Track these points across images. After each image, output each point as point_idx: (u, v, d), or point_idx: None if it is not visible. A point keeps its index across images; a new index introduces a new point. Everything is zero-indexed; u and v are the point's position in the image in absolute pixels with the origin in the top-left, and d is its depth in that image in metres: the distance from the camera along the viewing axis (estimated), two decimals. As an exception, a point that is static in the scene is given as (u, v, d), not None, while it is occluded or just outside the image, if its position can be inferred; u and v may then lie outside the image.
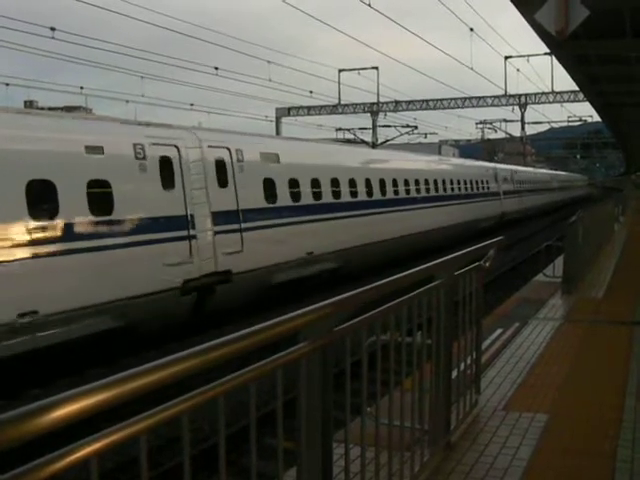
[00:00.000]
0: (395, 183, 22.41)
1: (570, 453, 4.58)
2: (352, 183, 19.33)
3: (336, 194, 18.25)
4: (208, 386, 2.12)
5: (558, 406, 5.56)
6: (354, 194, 19.40)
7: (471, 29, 37.01)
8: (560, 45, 14.44)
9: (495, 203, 35.00)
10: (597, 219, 15.67)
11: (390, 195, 21.84)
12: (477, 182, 32.23)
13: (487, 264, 5.19)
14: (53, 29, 28.02)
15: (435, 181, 26.21)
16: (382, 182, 21.30)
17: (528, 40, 23.24)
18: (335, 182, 18.34)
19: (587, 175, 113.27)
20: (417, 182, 24.28)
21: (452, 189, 28.23)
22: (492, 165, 39.77)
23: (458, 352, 4.84)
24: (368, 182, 20.38)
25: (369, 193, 20.37)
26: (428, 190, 25.27)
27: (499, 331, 8.27)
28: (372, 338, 3.55)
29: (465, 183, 30.17)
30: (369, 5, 23.20)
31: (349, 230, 18.44)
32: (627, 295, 10.82)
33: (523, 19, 12.97)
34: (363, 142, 41.49)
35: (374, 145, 42.32)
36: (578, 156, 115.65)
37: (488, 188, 34.09)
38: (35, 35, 27.11)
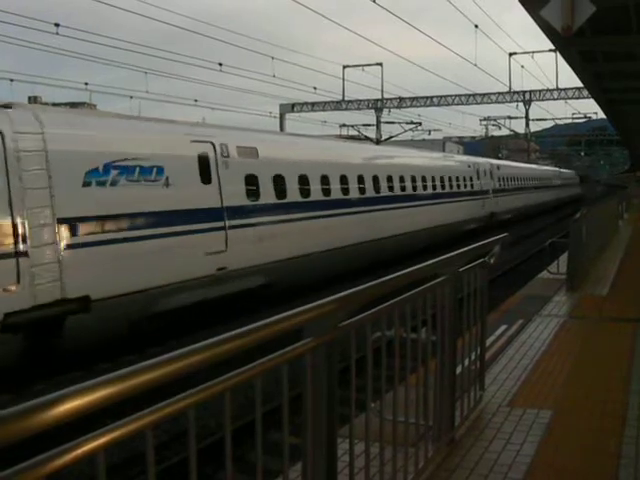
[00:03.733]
0: None
1: (574, 449, 4.58)
2: None
3: None
4: (214, 381, 2.12)
5: (562, 402, 5.56)
6: None
7: (476, 26, 37.03)
8: (566, 42, 14.40)
9: None
10: (601, 216, 15.65)
11: None
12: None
13: (492, 260, 5.19)
14: (57, 25, 28.02)
15: None
16: None
17: (533, 37, 23.18)
18: None
19: (591, 172, 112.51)
20: None
21: None
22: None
23: (462, 348, 4.84)
24: None
25: None
26: None
27: (503, 327, 8.28)
28: (377, 334, 3.56)
29: None
30: (374, 1, 23.18)
31: None
32: (631, 292, 10.81)
33: (528, 16, 12.94)
34: (367, 138, 41.39)
35: (378, 141, 42.19)
36: (582, 153, 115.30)
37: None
38: (39, 31, 27.17)
